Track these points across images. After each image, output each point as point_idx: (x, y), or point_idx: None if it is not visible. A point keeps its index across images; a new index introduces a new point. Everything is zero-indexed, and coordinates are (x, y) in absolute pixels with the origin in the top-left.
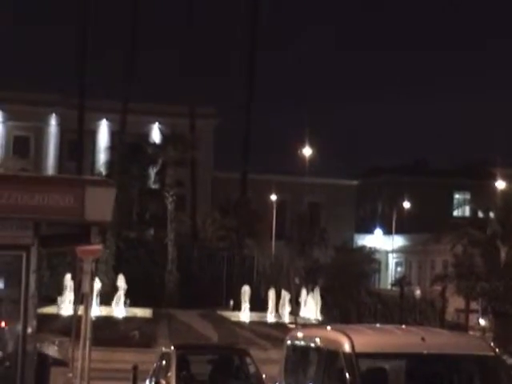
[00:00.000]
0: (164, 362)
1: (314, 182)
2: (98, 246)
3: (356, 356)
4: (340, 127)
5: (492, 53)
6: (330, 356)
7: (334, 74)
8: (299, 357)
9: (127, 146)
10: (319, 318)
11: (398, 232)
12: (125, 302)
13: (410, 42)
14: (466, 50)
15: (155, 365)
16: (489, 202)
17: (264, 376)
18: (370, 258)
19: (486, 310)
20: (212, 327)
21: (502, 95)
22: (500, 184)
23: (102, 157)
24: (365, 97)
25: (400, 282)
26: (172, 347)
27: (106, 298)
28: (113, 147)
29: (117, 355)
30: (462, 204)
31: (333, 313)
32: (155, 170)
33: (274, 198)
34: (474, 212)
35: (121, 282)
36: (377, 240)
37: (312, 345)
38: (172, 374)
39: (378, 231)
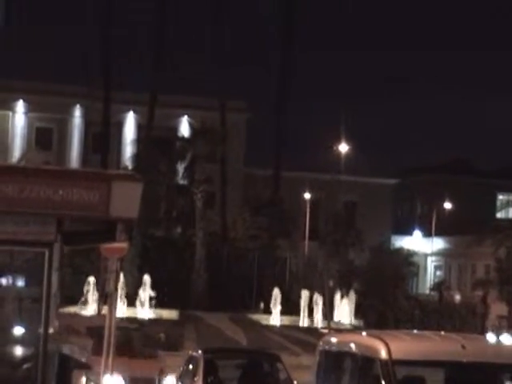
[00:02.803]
0: (191, 367)
1: (350, 180)
2: (124, 245)
3: (393, 363)
4: (379, 123)
5: None
6: (365, 363)
7: (373, 69)
8: (332, 363)
9: (154, 139)
10: (354, 322)
11: (437, 234)
12: (150, 303)
13: (454, 40)
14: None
15: (181, 369)
16: None
17: (295, 383)
18: (407, 260)
19: None
20: (241, 331)
21: None
22: None
23: (128, 151)
24: (405, 93)
25: (439, 286)
26: (199, 351)
27: (131, 299)
28: (139, 141)
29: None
30: (505, 205)
31: (368, 318)
32: (184, 166)
33: (307, 196)
34: None
35: (146, 282)
36: (415, 242)
37: (346, 351)
38: (199, 378)
39: (417, 233)
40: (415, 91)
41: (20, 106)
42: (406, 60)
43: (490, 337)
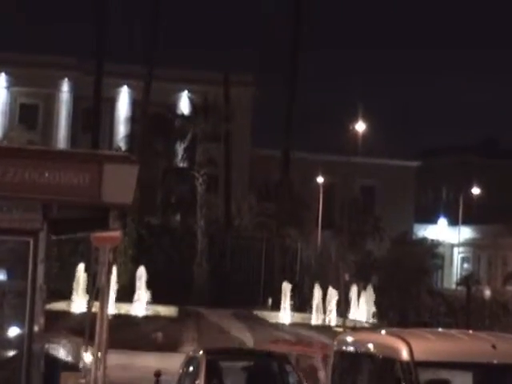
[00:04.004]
0: (191, 369)
1: (368, 163)
2: (117, 233)
3: (415, 365)
4: (399, 100)
5: None
6: (384, 365)
7: (393, 43)
8: (348, 365)
9: (151, 117)
10: (371, 320)
11: (465, 222)
12: (146, 299)
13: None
14: None
15: (181, 371)
16: None
17: None
18: (432, 252)
19: None
20: (247, 329)
21: None
22: None
23: (121, 129)
24: (428, 68)
25: (467, 280)
26: (201, 351)
27: (125, 294)
28: (134, 118)
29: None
30: None
31: (388, 315)
32: (183, 146)
33: (320, 180)
34: None
35: (142, 275)
36: (440, 231)
37: (363, 351)
38: (200, 382)
39: (442, 221)
40: (440, 66)
41: (2, 79)
42: (429, 34)
43: None
